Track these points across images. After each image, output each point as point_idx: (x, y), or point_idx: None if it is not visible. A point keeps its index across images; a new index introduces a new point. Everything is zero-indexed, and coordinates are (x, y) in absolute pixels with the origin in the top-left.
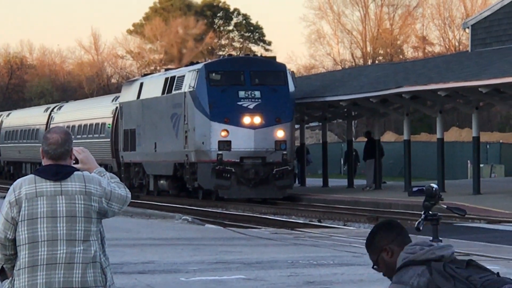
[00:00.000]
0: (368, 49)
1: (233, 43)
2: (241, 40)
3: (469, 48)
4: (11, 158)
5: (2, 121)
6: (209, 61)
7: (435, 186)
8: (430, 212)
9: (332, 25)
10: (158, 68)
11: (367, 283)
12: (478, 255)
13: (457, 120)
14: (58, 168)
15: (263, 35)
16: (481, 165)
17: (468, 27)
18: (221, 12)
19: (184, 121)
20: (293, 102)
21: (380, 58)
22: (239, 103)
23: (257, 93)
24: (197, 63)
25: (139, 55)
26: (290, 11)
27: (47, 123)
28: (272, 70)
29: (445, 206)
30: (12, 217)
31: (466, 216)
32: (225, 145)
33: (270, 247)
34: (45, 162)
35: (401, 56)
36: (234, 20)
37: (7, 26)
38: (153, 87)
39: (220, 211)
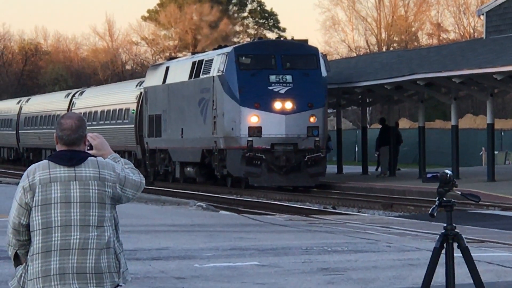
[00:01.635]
0: (383, 36)
1: (248, 30)
2: (255, 26)
3: (483, 35)
4: (30, 144)
5: (21, 107)
6: (239, 44)
7: (449, 172)
8: (444, 199)
9: (347, 11)
10: (172, 54)
11: (381, 269)
12: (492, 241)
13: (471, 107)
14: (72, 154)
15: (277, 21)
16: (496, 152)
17: (482, 14)
18: None
19: (213, 106)
20: (326, 86)
21: (395, 45)
22: (270, 87)
23: (289, 78)
24: (225, 46)
25: (154, 42)
26: None
27: (68, 109)
28: (303, 53)
29: (460, 193)
30: (26, 203)
31: (480, 202)
32: (255, 131)
33: (284, 233)
34: (59, 148)
35: (415, 43)
36: (249, 6)
37: (22, 12)
38: (179, 72)
39: (235, 198)
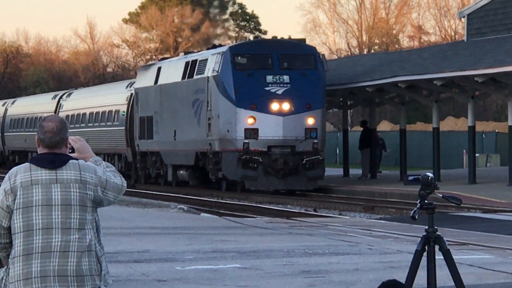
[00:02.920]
0: (364, 38)
1: (229, 32)
2: (236, 29)
3: (465, 38)
4: (16, 147)
5: (6, 109)
6: (234, 43)
7: (430, 175)
8: (425, 201)
9: (328, 14)
10: (154, 57)
11: (362, 272)
12: (473, 244)
13: (453, 109)
14: (54, 157)
15: (258, 24)
16: (477, 155)
17: (464, 17)
18: (217, 1)
19: (207, 107)
20: (325, 87)
21: (376, 47)
22: (267, 88)
23: (286, 78)
24: (220, 46)
25: (135, 44)
26: (286, 0)
27: (56, 111)
28: (301, 53)
29: (441, 195)
30: (7, 205)
31: (461, 205)
32: (251, 133)
33: (265, 236)
34: (40, 150)
35: (396, 46)
36: (230, 9)
37: (3, 15)
38: (172, 72)
39: (216, 200)
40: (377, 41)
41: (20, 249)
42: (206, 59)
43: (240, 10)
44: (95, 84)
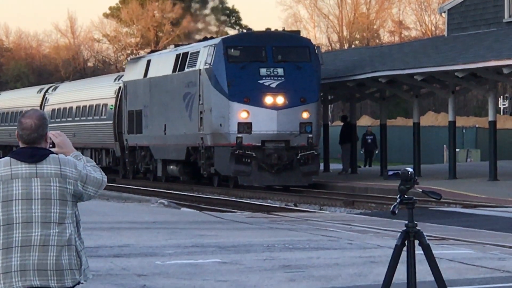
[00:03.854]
0: (345, 33)
1: (209, 27)
2: (217, 24)
3: (445, 33)
4: (1, 141)
5: None
6: (227, 35)
7: (410, 170)
8: (405, 196)
9: (309, 9)
10: (134, 51)
11: (343, 267)
12: (453, 239)
13: (433, 104)
14: (34, 151)
15: (239, 19)
16: (457, 150)
17: (444, 12)
18: None
19: (199, 101)
20: (319, 80)
21: (357, 42)
22: (261, 81)
23: (280, 71)
24: (211, 38)
25: (116, 39)
26: None
27: (41, 105)
28: (296, 45)
29: (421, 190)
30: None
31: (441, 200)
32: (245, 127)
33: (246, 231)
34: (21, 144)
35: (377, 41)
36: (211, 4)
37: None
38: (162, 65)
39: (196, 195)
40: (358, 36)
41: (0, 243)
42: (198, 52)
43: (221, 5)
44: (75, 78)
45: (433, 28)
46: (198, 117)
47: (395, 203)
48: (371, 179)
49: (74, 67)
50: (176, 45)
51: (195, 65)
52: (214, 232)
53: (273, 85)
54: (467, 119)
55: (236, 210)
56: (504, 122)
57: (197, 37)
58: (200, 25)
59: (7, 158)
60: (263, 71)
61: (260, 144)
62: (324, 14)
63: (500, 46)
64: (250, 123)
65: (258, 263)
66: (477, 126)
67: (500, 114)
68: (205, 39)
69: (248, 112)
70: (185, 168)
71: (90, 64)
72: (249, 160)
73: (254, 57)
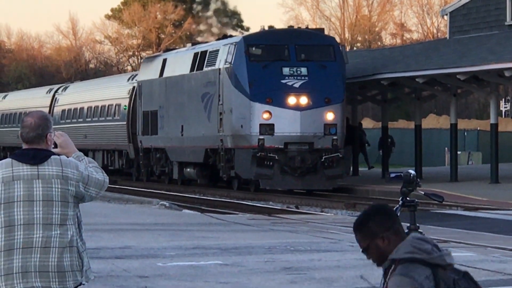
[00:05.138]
0: (346, 35)
1: (211, 29)
2: (219, 25)
3: (447, 35)
4: (8, 143)
5: None
6: (248, 33)
7: (413, 172)
8: (407, 199)
9: (311, 11)
10: (136, 53)
11: (344, 269)
12: (455, 241)
13: (435, 107)
14: (35, 152)
15: (241, 20)
16: (459, 152)
17: (446, 14)
18: None
19: (219, 101)
20: (344, 80)
21: (358, 44)
22: (283, 81)
23: (304, 70)
24: (230, 36)
25: (117, 40)
26: None
27: (51, 105)
28: (320, 44)
29: (423, 193)
30: None
31: (443, 203)
32: (267, 128)
33: (247, 232)
34: (23, 145)
35: (379, 43)
36: (213, 6)
37: None
38: (179, 64)
39: (198, 197)
40: (360, 39)
41: (2, 245)
42: (217, 50)
43: (222, 7)
44: (77, 80)
45: (435, 31)
46: (218, 118)
47: (397, 206)
48: (373, 181)
49: (75, 68)
50: (194, 44)
51: (215, 64)
52: (216, 234)
53: (296, 85)
54: (469, 121)
55: (237, 212)
56: (506, 124)
57: (199, 39)
58: (202, 27)
59: (8, 160)
60: (286, 70)
61: (282, 147)
62: (326, 16)
63: (501, 49)
64: (273, 125)
65: (259, 265)
66: (478, 128)
67: (501, 116)
68: (224, 37)
69: (270, 113)
70: (202, 171)
71: (91, 65)
72: (271, 163)
73: (277, 56)
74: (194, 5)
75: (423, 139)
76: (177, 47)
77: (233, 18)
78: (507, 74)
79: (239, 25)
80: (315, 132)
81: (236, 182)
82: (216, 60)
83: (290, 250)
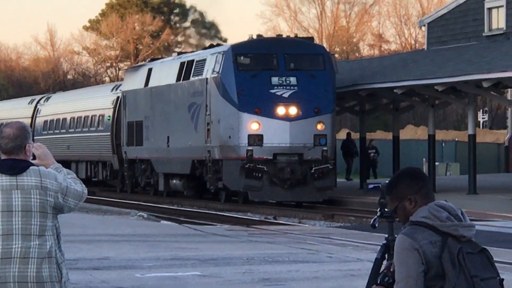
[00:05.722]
0: (325, 46)
1: (189, 40)
2: (197, 36)
3: (425, 46)
4: None
5: None
6: (237, 42)
7: None
8: (385, 210)
9: (289, 22)
10: (114, 64)
11: (322, 280)
12: None
13: (413, 118)
14: (14, 163)
15: (219, 32)
16: (437, 163)
17: (424, 25)
18: (177, 9)
19: (206, 111)
20: (334, 90)
21: (337, 55)
22: (272, 91)
23: (293, 80)
24: (218, 45)
25: (95, 51)
26: (247, 8)
27: (33, 116)
28: (309, 53)
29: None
30: None
31: None
32: (256, 139)
33: (225, 243)
34: (2, 156)
35: (357, 54)
36: (191, 16)
37: None
38: (165, 73)
39: (176, 208)
40: (338, 49)
41: None
42: (205, 59)
43: (200, 18)
44: (55, 91)
45: (413, 42)
46: (205, 129)
47: (375, 217)
48: (351, 192)
49: (53, 79)
50: (180, 53)
51: (202, 74)
52: (194, 245)
53: (286, 95)
54: (447, 132)
55: (215, 223)
56: (484, 135)
57: (177, 49)
58: (180, 38)
59: None
60: (274, 80)
61: (271, 158)
62: (304, 27)
63: (479, 60)
64: (261, 135)
65: (237, 276)
66: (456, 139)
67: (479, 127)
68: (211, 46)
69: (259, 124)
70: (189, 182)
71: (69, 76)
72: (260, 175)
73: (265, 65)
74: (172, 16)
75: (401, 150)
76: (164, 57)
77: (211, 29)
78: (485, 85)
79: (216, 36)
80: (304, 143)
81: (224, 194)
82: (203, 69)
83: (268, 261)
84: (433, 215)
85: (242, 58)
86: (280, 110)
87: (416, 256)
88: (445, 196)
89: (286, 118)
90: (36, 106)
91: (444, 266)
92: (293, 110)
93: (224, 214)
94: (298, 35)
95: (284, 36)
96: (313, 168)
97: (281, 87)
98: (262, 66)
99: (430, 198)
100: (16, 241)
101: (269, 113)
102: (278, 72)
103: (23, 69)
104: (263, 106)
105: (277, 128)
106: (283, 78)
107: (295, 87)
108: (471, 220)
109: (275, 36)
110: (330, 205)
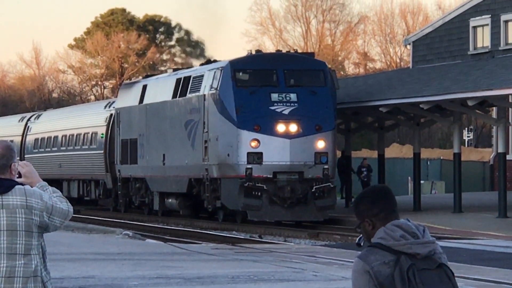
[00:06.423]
0: None
1: (175, 58)
2: (183, 55)
3: (410, 65)
4: None
5: None
6: (235, 58)
7: None
8: None
9: (274, 40)
10: (99, 82)
11: None
12: None
13: (398, 136)
14: None
15: (204, 50)
16: (422, 182)
17: (409, 44)
18: (163, 27)
19: (204, 129)
20: (335, 106)
21: None
22: (272, 107)
23: (293, 96)
24: (215, 61)
25: (80, 70)
26: (232, 26)
27: (23, 134)
28: (310, 68)
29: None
30: None
31: None
32: (255, 157)
33: (210, 262)
34: None
35: (342, 72)
36: (176, 35)
37: None
38: (160, 90)
39: (161, 226)
40: None
41: None
42: (202, 75)
43: (186, 36)
44: (40, 109)
45: (398, 60)
46: (203, 146)
47: (360, 235)
48: (336, 210)
49: (39, 98)
50: (175, 69)
51: (199, 90)
52: (179, 264)
53: (286, 112)
54: (432, 151)
55: (201, 242)
56: (469, 154)
57: (162, 68)
58: (165, 56)
59: None
60: (274, 96)
61: (271, 176)
62: (289, 45)
63: (465, 78)
64: (261, 153)
65: None
66: (441, 158)
67: (464, 146)
68: (208, 62)
69: (258, 141)
70: (185, 201)
71: (55, 95)
72: (259, 193)
73: (265, 81)
74: (157, 35)
75: (387, 168)
76: (154, 74)
77: (196, 48)
78: (470, 103)
79: (202, 54)
80: (305, 161)
81: (222, 214)
82: (200, 85)
83: (254, 279)
84: (388, 235)
85: (241, 74)
86: (280, 127)
87: (367, 278)
88: (430, 214)
89: (286, 135)
90: (26, 124)
91: (395, 283)
92: (293, 127)
93: (209, 232)
94: (298, 51)
95: (284, 51)
96: (314, 187)
97: (281, 104)
98: (261, 82)
99: (390, 219)
100: (1, 260)
101: (268, 130)
102: (277, 89)
103: (8, 87)
104: (262, 123)
105: (277, 146)
106: (283, 95)
107: (295, 104)
108: (455, 238)
109: (274, 51)
110: (315, 224)
